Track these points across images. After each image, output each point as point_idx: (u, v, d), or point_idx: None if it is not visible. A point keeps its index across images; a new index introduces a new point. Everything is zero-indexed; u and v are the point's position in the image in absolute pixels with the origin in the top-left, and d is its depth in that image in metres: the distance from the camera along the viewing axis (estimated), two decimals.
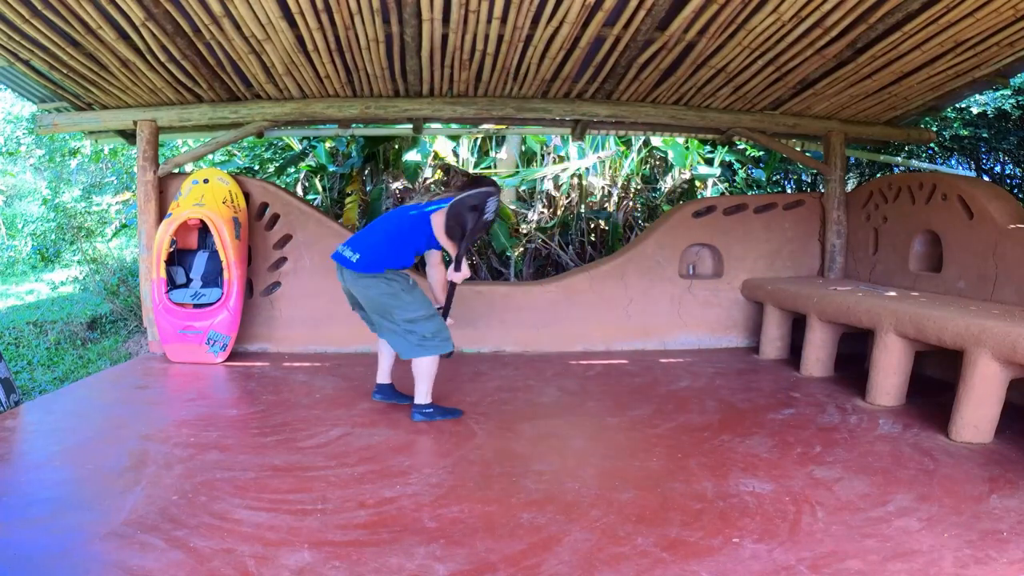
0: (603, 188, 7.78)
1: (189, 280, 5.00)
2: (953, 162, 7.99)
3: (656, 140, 7.50)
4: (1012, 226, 3.89)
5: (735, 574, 1.96)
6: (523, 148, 7.86)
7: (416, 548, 2.11)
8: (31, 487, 2.58)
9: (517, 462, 2.88)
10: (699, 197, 7.38)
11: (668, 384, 4.28)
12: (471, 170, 7.58)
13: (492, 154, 7.79)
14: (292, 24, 3.92)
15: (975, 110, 6.87)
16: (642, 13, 3.95)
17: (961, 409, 3.12)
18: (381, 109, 5.07)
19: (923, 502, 2.44)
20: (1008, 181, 7.74)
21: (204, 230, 5.01)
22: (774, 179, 8.37)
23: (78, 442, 3.08)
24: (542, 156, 7.94)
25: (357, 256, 3.34)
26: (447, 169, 7.42)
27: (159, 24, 3.84)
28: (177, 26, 3.92)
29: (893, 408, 3.67)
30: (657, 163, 8.10)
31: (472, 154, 7.80)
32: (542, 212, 7.62)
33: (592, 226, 7.63)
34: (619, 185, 7.71)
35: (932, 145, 7.54)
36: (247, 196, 5.15)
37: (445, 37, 4.16)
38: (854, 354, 4.76)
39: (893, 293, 4.24)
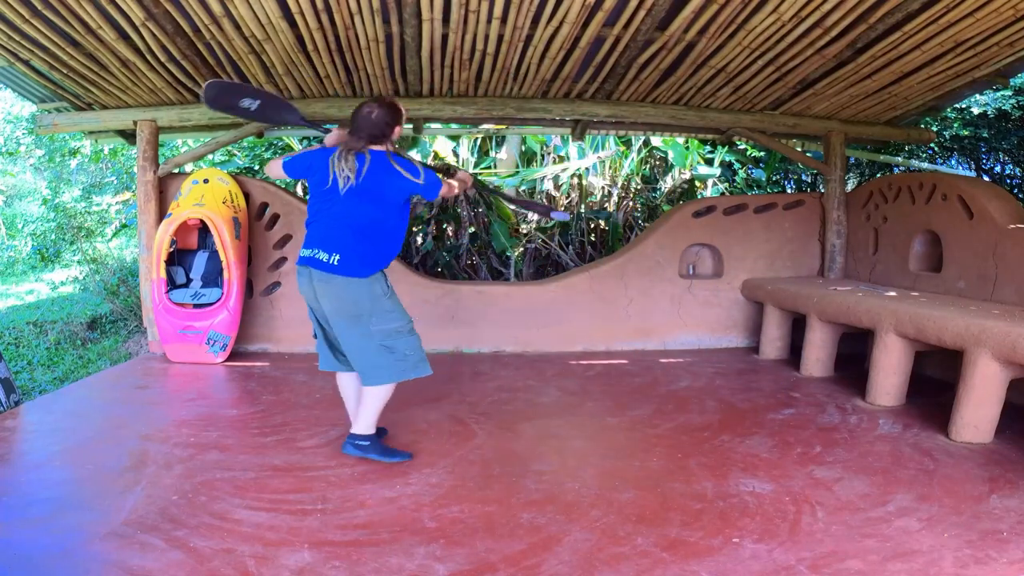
0: (603, 188, 7.78)
1: (189, 280, 5.00)
2: (953, 162, 7.99)
3: (656, 140, 7.50)
4: (1012, 226, 3.89)
5: (735, 574, 1.96)
6: (523, 148, 7.86)
7: (416, 548, 2.11)
8: (31, 487, 2.58)
9: (517, 462, 2.88)
10: (699, 197, 7.38)
11: (668, 384, 4.28)
12: (471, 170, 7.58)
13: (492, 154, 7.79)
14: (292, 24, 3.92)
15: (975, 110, 6.86)
16: (642, 13, 3.94)
17: (961, 409, 3.12)
18: None
19: (923, 502, 2.44)
20: (1008, 181, 7.74)
21: (204, 230, 5.01)
22: (774, 179, 8.36)
23: (78, 442, 3.08)
24: (542, 156, 7.94)
25: (337, 257, 2.72)
26: (447, 169, 7.41)
27: (159, 24, 3.84)
28: (177, 26, 3.92)
29: (893, 408, 3.67)
30: (657, 163, 8.10)
31: (472, 154, 7.80)
32: None
33: (592, 226, 7.63)
34: (619, 185, 7.71)
35: (932, 145, 7.53)
36: (247, 196, 5.15)
37: (445, 37, 4.15)
38: (854, 354, 4.76)
39: (893, 293, 4.24)
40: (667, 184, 7.89)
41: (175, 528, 2.21)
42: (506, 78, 4.79)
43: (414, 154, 7.31)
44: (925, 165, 7.10)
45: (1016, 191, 7.51)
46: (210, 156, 7.81)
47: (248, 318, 5.11)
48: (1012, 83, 5.89)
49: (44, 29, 3.81)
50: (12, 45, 3.99)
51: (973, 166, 7.99)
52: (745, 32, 4.09)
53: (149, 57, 4.20)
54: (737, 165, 8.01)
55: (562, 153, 7.77)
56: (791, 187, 8.52)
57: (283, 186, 6.55)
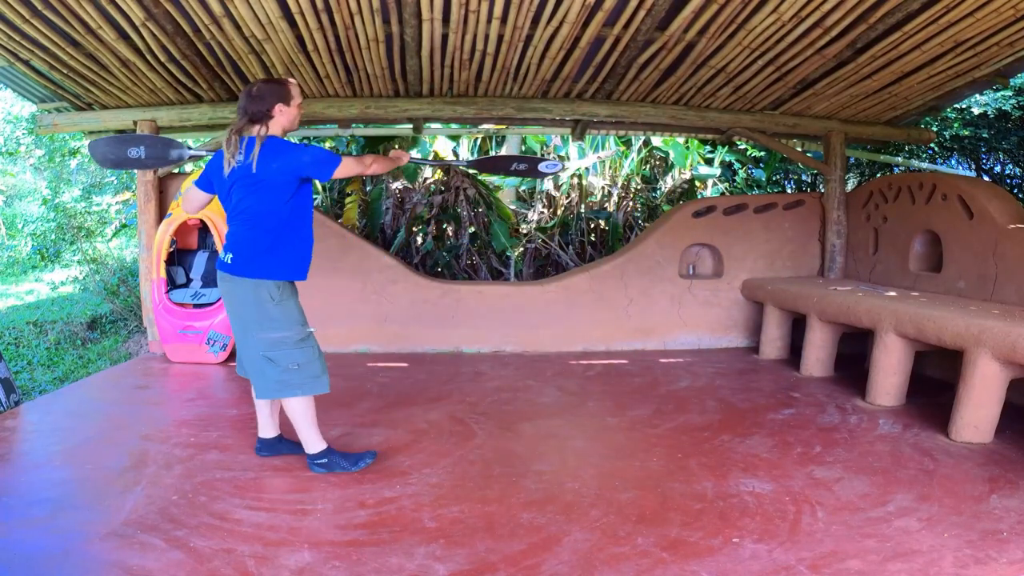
0: (603, 188, 7.78)
1: (189, 280, 5.00)
2: (953, 162, 7.98)
3: (656, 140, 7.50)
4: (1012, 226, 3.89)
5: (735, 574, 1.96)
6: (523, 148, 7.86)
7: (416, 548, 2.11)
8: (31, 487, 2.58)
9: (517, 462, 2.88)
10: (699, 197, 7.39)
11: (668, 384, 4.28)
12: (471, 171, 7.58)
13: (492, 154, 7.80)
14: (292, 24, 3.92)
15: (975, 110, 6.86)
16: (642, 13, 3.94)
17: (961, 409, 3.12)
18: (381, 109, 5.07)
19: (923, 502, 2.44)
20: (1008, 181, 7.74)
21: (204, 230, 5.02)
22: (774, 179, 8.36)
23: (78, 442, 3.08)
24: (542, 156, 7.94)
25: (231, 255, 2.60)
26: (447, 169, 7.42)
27: (159, 24, 3.84)
28: (177, 26, 3.92)
29: (893, 408, 3.67)
30: (657, 163, 8.10)
31: (472, 154, 7.80)
32: (542, 212, 7.62)
33: (592, 226, 7.63)
34: (619, 185, 7.71)
35: (932, 145, 7.53)
36: None
37: (445, 37, 4.15)
38: (854, 354, 4.76)
39: (893, 293, 4.24)
40: (667, 184, 7.90)
41: (175, 528, 2.21)
42: (506, 78, 4.79)
43: (413, 152, 7.32)
44: (925, 165, 7.10)
45: (1016, 191, 7.51)
46: (210, 156, 7.81)
47: None
48: (1012, 83, 5.89)
49: (44, 29, 3.81)
50: (12, 45, 3.99)
51: (973, 166, 7.99)
52: (745, 32, 4.09)
53: (149, 57, 4.20)
54: (737, 165, 8.01)
55: (562, 153, 7.77)
56: (791, 187, 8.52)
57: None
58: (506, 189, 7.72)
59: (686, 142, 7.32)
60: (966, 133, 7.17)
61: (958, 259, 4.25)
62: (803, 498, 2.49)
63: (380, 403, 3.78)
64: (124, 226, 9.02)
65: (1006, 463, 2.83)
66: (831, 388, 4.13)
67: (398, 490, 2.57)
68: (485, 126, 6.45)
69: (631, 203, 7.74)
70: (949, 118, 7.00)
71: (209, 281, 4.97)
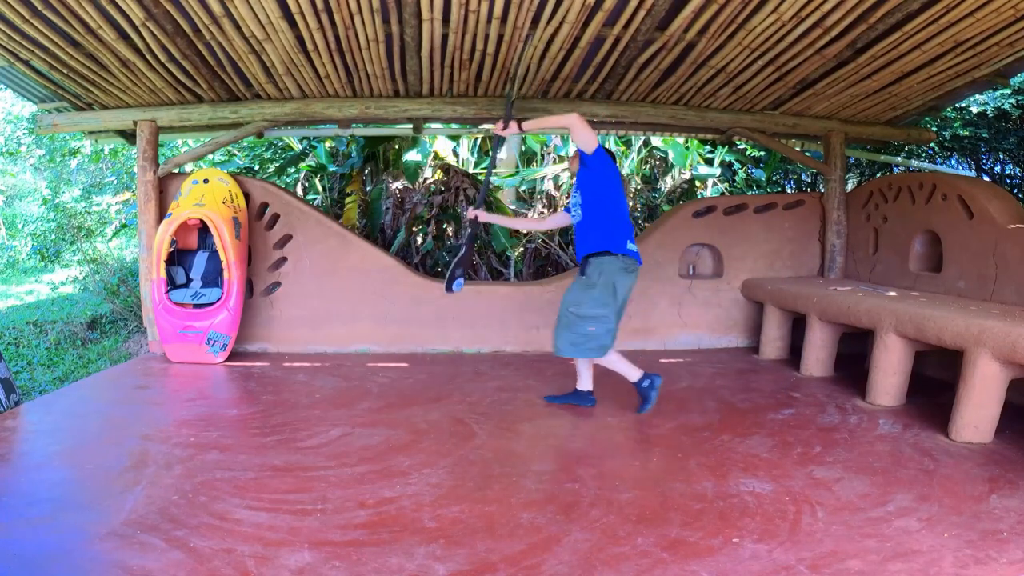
0: None
1: (189, 280, 5.00)
2: (953, 162, 7.99)
3: (656, 140, 7.50)
4: (1012, 226, 3.89)
5: (735, 574, 1.96)
6: (523, 148, 7.86)
7: (416, 548, 2.11)
8: (31, 487, 2.58)
9: (517, 462, 2.88)
10: (699, 197, 7.39)
11: (668, 384, 4.27)
12: (471, 170, 7.59)
13: (492, 154, 7.79)
14: (292, 24, 3.92)
15: (975, 110, 6.87)
16: (642, 13, 3.95)
17: (961, 409, 3.12)
18: (381, 109, 5.08)
19: (923, 502, 2.44)
20: (1008, 181, 7.74)
21: (204, 230, 5.01)
22: (774, 179, 8.37)
23: (78, 442, 3.08)
24: (542, 156, 7.94)
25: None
26: (447, 169, 7.42)
27: (159, 24, 3.84)
28: (177, 26, 3.92)
29: (893, 408, 3.67)
30: (657, 163, 8.10)
31: (472, 154, 7.80)
32: (542, 212, 7.62)
33: None
34: None
35: (932, 145, 7.53)
36: (247, 196, 5.15)
37: (445, 37, 4.16)
38: (854, 354, 4.76)
39: (893, 293, 4.24)
40: (667, 184, 7.90)
41: (175, 528, 2.21)
42: (506, 78, 4.79)
43: (414, 154, 7.32)
44: (925, 165, 7.10)
45: (1016, 191, 7.51)
46: (210, 156, 7.82)
47: (248, 318, 5.11)
48: (1012, 83, 5.89)
49: (44, 29, 3.81)
50: (12, 45, 3.99)
51: (973, 166, 7.99)
52: (745, 32, 4.09)
53: (149, 57, 4.20)
54: (737, 165, 8.01)
55: (562, 153, 7.77)
56: (791, 187, 8.52)
57: (283, 186, 6.55)
58: (506, 189, 7.72)
59: (686, 142, 7.32)
60: (966, 133, 7.17)
61: (958, 259, 4.25)
62: (803, 498, 2.49)
63: (380, 403, 3.78)
64: (124, 226, 9.02)
65: (1006, 463, 2.83)
66: (831, 388, 4.13)
67: (398, 490, 2.57)
68: (485, 126, 6.45)
69: (631, 203, 7.74)
70: (949, 118, 7.00)
71: (209, 281, 4.97)
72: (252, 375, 4.46)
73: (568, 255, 7.31)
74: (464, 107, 5.14)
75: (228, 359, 4.80)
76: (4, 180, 12.55)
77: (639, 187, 7.86)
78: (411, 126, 5.98)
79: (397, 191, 7.40)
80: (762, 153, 7.75)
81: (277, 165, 8.02)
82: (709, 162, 7.84)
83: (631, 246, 3.44)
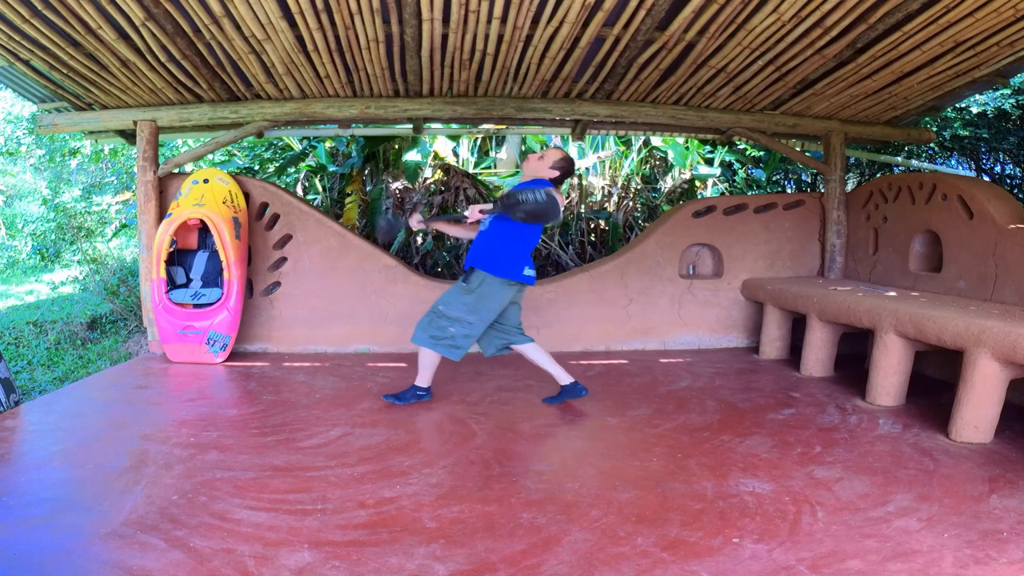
0: (603, 188, 7.78)
1: (189, 280, 5.00)
2: (953, 162, 7.99)
3: (656, 140, 7.51)
4: (1012, 226, 3.89)
5: (735, 574, 1.96)
6: (523, 148, 7.86)
7: (416, 548, 2.11)
8: (31, 487, 2.57)
9: (517, 462, 2.88)
10: (699, 197, 7.39)
11: (668, 384, 4.28)
12: (471, 170, 7.59)
13: (492, 154, 7.80)
14: (292, 24, 3.92)
15: (975, 110, 6.87)
16: (642, 13, 3.95)
17: (961, 409, 3.12)
18: (381, 109, 5.07)
19: (923, 502, 2.44)
20: (1008, 181, 7.74)
21: (204, 230, 5.01)
22: (774, 179, 8.37)
23: (78, 442, 3.08)
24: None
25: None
26: (447, 169, 7.42)
27: (159, 24, 3.84)
28: (177, 26, 3.92)
29: (893, 408, 3.67)
30: (657, 163, 8.10)
31: (472, 154, 7.80)
32: None
33: (592, 226, 7.63)
34: (619, 185, 7.71)
35: (932, 145, 7.53)
36: (247, 196, 5.15)
37: (445, 37, 4.15)
38: (854, 354, 4.76)
39: (893, 293, 4.24)
40: (667, 184, 7.90)
41: (175, 528, 2.21)
42: (506, 78, 4.79)
43: (414, 154, 7.32)
44: (925, 165, 7.10)
45: (1016, 191, 7.51)
46: (210, 156, 7.82)
47: (248, 318, 5.11)
48: (1012, 83, 5.90)
49: (44, 29, 3.81)
50: (12, 45, 3.99)
51: (973, 166, 7.99)
52: (745, 32, 4.09)
53: (149, 57, 4.20)
54: (737, 165, 8.01)
55: None
56: (791, 187, 8.52)
57: (283, 186, 6.55)
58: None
59: (686, 142, 7.32)
60: (966, 133, 7.17)
61: (958, 259, 4.25)
62: (803, 498, 2.49)
63: (380, 403, 3.78)
64: (124, 226, 9.02)
65: (1006, 463, 2.83)
66: (831, 388, 4.13)
67: (398, 490, 2.57)
68: (485, 126, 6.45)
69: (631, 203, 7.74)
70: (949, 118, 7.00)
71: (209, 281, 4.97)
72: (252, 375, 4.46)
73: (568, 255, 7.31)
74: (464, 107, 5.14)
75: (228, 359, 4.80)
76: (4, 180, 12.55)
77: (639, 187, 7.86)
78: (411, 126, 5.98)
79: (397, 191, 7.40)
80: (762, 153, 7.75)
81: (277, 165, 8.02)
82: (709, 162, 7.84)
83: (528, 272, 3.53)
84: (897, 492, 2.54)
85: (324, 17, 3.85)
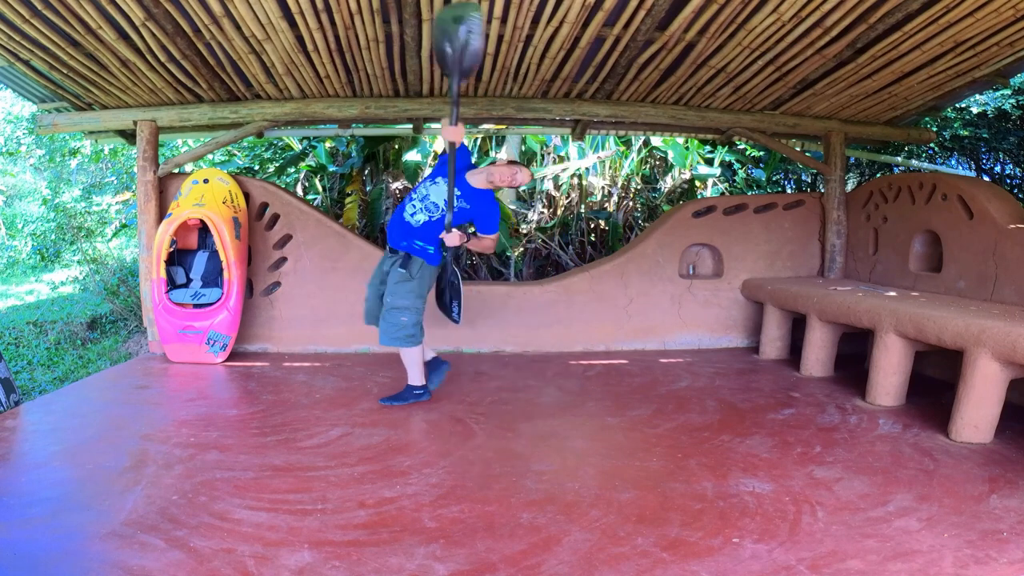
0: (603, 188, 7.78)
1: (189, 280, 5.00)
2: (953, 162, 7.99)
3: (656, 140, 7.50)
4: (1012, 226, 3.89)
5: (735, 574, 1.96)
6: (523, 148, 7.86)
7: (416, 548, 2.11)
8: (31, 487, 2.57)
9: (517, 462, 2.88)
10: (699, 197, 7.39)
11: (668, 384, 4.28)
12: None
13: (492, 154, 7.80)
14: (292, 24, 3.92)
15: (975, 110, 6.86)
16: (642, 13, 3.95)
17: (961, 409, 3.12)
18: (381, 109, 5.07)
19: (923, 502, 2.44)
20: (1008, 181, 7.74)
21: (204, 230, 5.01)
22: (774, 179, 8.37)
23: (78, 442, 3.08)
24: (542, 156, 7.94)
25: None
26: None
27: (159, 24, 3.84)
28: (177, 26, 3.92)
29: (893, 408, 3.67)
30: (657, 163, 8.10)
31: (472, 154, 7.79)
32: (542, 212, 7.62)
33: (592, 226, 7.64)
34: (619, 185, 7.71)
35: (932, 145, 7.54)
36: (247, 196, 5.15)
37: None
38: (854, 354, 4.76)
39: (893, 293, 4.24)
40: (667, 184, 7.90)
41: (175, 528, 2.21)
42: (506, 78, 4.79)
43: (414, 154, 7.32)
44: (925, 165, 7.11)
45: (1016, 191, 7.51)
46: (210, 156, 7.82)
47: (248, 318, 5.11)
48: (1012, 83, 5.90)
49: (44, 29, 3.81)
50: (12, 45, 3.99)
51: (973, 166, 7.99)
52: (745, 32, 4.09)
53: (149, 57, 4.20)
54: (737, 165, 8.01)
55: (562, 153, 7.77)
56: (791, 187, 8.52)
57: (283, 186, 6.55)
58: (506, 189, 7.72)
59: (686, 142, 7.32)
60: (966, 133, 7.17)
61: (958, 259, 4.25)
62: (803, 498, 2.49)
63: (381, 403, 3.78)
64: (124, 226, 9.02)
65: (1006, 463, 2.83)
66: (831, 388, 4.13)
67: (398, 490, 2.57)
68: (485, 126, 6.45)
69: (631, 203, 7.74)
70: (949, 118, 7.00)
71: (209, 281, 4.96)
72: (252, 375, 4.46)
73: (568, 255, 7.31)
74: (464, 107, 5.13)
75: (228, 359, 4.80)
76: (4, 180, 12.54)
77: (639, 187, 7.86)
78: (411, 126, 5.98)
79: (397, 191, 7.40)
80: (762, 153, 7.75)
81: (277, 165, 8.02)
82: (709, 162, 7.84)
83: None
84: (897, 492, 2.54)
85: (324, 17, 3.85)
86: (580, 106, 5.20)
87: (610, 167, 7.82)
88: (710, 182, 7.76)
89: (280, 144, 8.23)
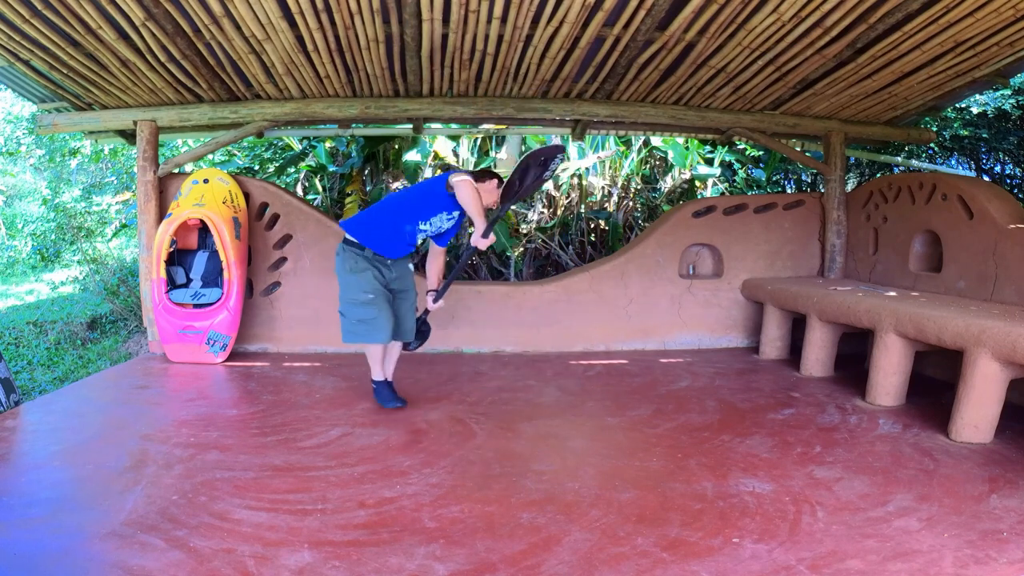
0: (603, 188, 7.78)
1: (189, 280, 5.00)
2: (953, 162, 7.99)
3: (656, 140, 7.50)
4: (1012, 226, 3.89)
5: (735, 574, 1.96)
6: (523, 148, 7.86)
7: (416, 548, 2.11)
8: (31, 487, 2.57)
9: (517, 462, 2.88)
10: (699, 197, 7.39)
11: (668, 384, 4.28)
12: (471, 170, 7.58)
13: (492, 154, 7.80)
14: (292, 24, 3.92)
15: (975, 110, 6.86)
16: (642, 13, 3.95)
17: (961, 409, 3.12)
18: (381, 109, 5.07)
19: (923, 502, 2.44)
20: (1008, 181, 7.74)
21: (204, 230, 5.01)
22: (774, 179, 8.37)
23: (78, 442, 3.08)
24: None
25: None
26: (447, 169, 7.42)
27: (159, 24, 3.84)
28: (177, 26, 3.92)
29: (893, 408, 3.67)
30: (657, 163, 8.10)
31: (472, 154, 7.80)
32: (542, 212, 7.62)
33: (592, 226, 7.63)
34: (619, 185, 7.71)
35: (932, 145, 7.53)
36: (247, 196, 5.15)
37: (445, 37, 4.15)
38: (854, 354, 4.76)
39: (893, 293, 4.24)
40: (667, 184, 7.89)
41: (175, 528, 2.21)
42: (506, 78, 4.79)
43: (414, 154, 7.32)
44: (925, 165, 7.10)
45: (1016, 191, 7.51)
46: (210, 156, 7.82)
47: (248, 318, 5.11)
48: (1012, 83, 5.89)
49: (44, 29, 3.81)
50: (12, 45, 3.99)
51: (973, 166, 7.99)
52: (745, 32, 4.09)
53: (149, 57, 4.20)
54: (737, 165, 8.01)
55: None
56: (791, 187, 8.52)
57: (283, 186, 6.55)
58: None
59: (686, 142, 7.32)
60: (966, 133, 7.17)
61: (958, 259, 4.25)
62: (803, 498, 2.49)
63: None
64: (124, 226, 9.02)
65: (1006, 463, 2.83)
66: (831, 388, 4.13)
67: (398, 490, 2.57)
68: (485, 126, 6.45)
69: (631, 203, 7.74)
70: (949, 118, 7.00)
71: (209, 281, 4.96)
72: (252, 375, 4.46)
73: (568, 255, 7.31)
74: (464, 107, 5.14)
75: (228, 359, 4.80)
76: (4, 180, 12.54)
77: (639, 187, 7.86)
78: (411, 126, 5.98)
79: (397, 191, 7.39)
80: (762, 153, 7.75)
81: (277, 165, 8.02)
82: (709, 162, 7.83)
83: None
84: (897, 492, 2.54)
85: (324, 17, 3.85)
86: (580, 106, 5.20)
87: (610, 167, 7.82)
88: (710, 182, 7.76)
89: (280, 144, 8.23)
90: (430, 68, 4.57)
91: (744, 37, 4.16)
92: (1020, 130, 7.03)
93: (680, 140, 7.13)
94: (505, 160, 7.79)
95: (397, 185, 7.43)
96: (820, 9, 3.81)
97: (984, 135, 7.16)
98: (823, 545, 2.13)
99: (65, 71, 4.32)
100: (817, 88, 4.88)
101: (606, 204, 7.76)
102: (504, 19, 3.96)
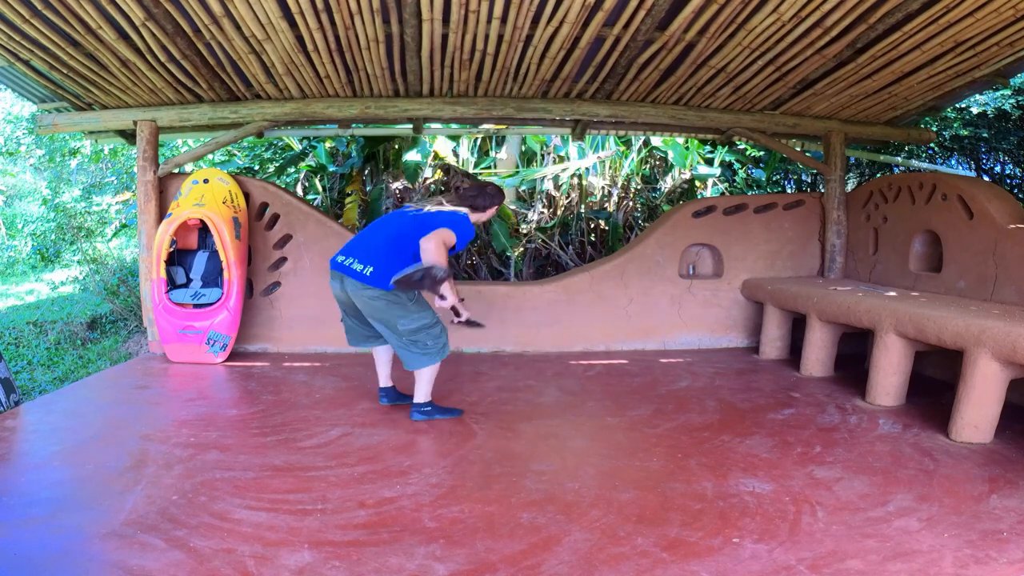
0: (603, 188, 7.78)
1: (189, 280, 5.00)
2: (953, 162, 7.99)
3: (656, 140, 7.50)
4: (1012, 226, 3.89)
5: (735, 574, 1.96)
6: (523, 148, 7.86)
7: (416, 548, 2.11)
8: (31, 487, 2.58)
9: (517, 462, 2.88)
10: (699, 197, 7.39)
11: (668, 384, 4.28)
12: (471, 170, 7.59)
13: (492, 154, 7.80)
14: (292, 24, 3.92)
15: (975, 110, 6.86)
16: (642, 13, 3.95)
17: (961, 409, 3.12)
18: (381, 109, 5.07)
19: (923, 502, 2.44)
20: (1008, 181, 7.74)
21: (204, 230, 5.01)
22: (774, 179, 8.37)
23: (78, 442, 3.08)
24: (542, 156, 7.94)
25: (370, 269, 3.18)
26: (447, 169, 7.42)
27: (159, 24, 3.84)
28: (177, 26, 3.92)
29: (893, 408, 3.67)
30: (657, 163, 8.10)
31: (472, 154, 7.80)
32: (542, 212, 7.62)
33: (592, 226, 7.64)
34: (619, 185, 7.71)
35: (932, 145, 7.53)
36: (247, 196, 5.15)
37: (445, 37, 4.16)
38: (854, 354, 4.76)
39: (893, 293, 4.24)
40: (667, 184, 7.90)
41: (175, 528, 2.21)
42: (506, 78, 4.79)
43: (414, 154, 7.32)
44: (925, 165, 7.10)
45: (1016, 191, 7.51)
46: (210, 156, 7.82)
47: (248, 318, 5.11)
48: (1012, 83, 5.89)
49: (44, 29, 3.81)
50: (12, 45, 3.99)
51: (973, 166, 7.99)
52: (745, 32, 4.09)
53: (149, 57, 4.20)
54: (737, 165, 8.01)
55: (562, 153, 7.77)
56: (791, 187, 8.52)
57: (283, 186, 6.55)
58: (506, 189, 7.73)
59: (686, 142, 7.32)
60: (966, 133, 7.17)
61: (958, 259, 4.25)
62: (803, 498, 2.49)
63: (380, 403, 3.78)
64: (124, 226, 9.02)
65: (1006, 463, 2.83)
66: (831, 388, 4.13)
67: (398, 490, 2.57)
68: (485, 126, 6.45)
69: (631, 203, 7.74)
70: (949, 118, 7.00)
71: (209, 281, 4.97)
72: (252, 375, 4.46)
73: (568, 255, 7.31)
74: (464, 107, 5.14)
75: (228, 359, 4.80)
76: (4, 180, 12.54)
77: (639, 187, 7.86)
78: (411, 126, 5.98)
79: (397, 191, 7.40)
80: (762, 153, 7.75)
81: (277, 165, 8.02)
82: (709, 162, 7.84)
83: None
84: (897, 492, 2.54)
85: (324, 17, 3.85)
86: (580, 106, 5.20)
87: (610, 167, 7.82)
88: (710, 182, 7.76)
89: (280, 144, 8.23)
90: (430, 68, 4.57)
91: (744, 37, 4.15)
92: (1020, 130, 7.03)
93: (680, 140, 7.13)
94: (505, 160, 7.79)
95: (397, 185, 7.43)
96: (820, 9, 3.81)
97: (984, 135, 7.16)
98: (823, 545, 2.13)
99: (65, 71, 4.32)
100: (817, 88, 4.88)
101: (606, 204, 7.76)
102: (504, 19, 3.96)
